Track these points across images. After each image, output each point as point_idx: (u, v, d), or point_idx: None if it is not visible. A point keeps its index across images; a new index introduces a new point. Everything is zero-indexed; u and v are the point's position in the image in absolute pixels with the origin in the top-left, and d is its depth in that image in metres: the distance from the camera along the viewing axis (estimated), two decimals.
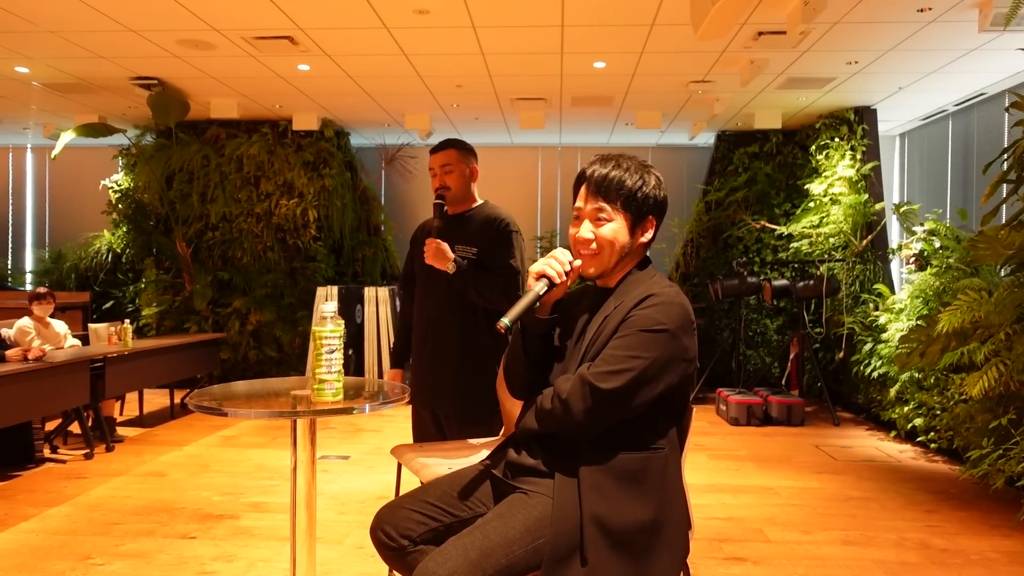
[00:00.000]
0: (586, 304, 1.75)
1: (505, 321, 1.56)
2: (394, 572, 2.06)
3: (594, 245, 1.66)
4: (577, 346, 1.69)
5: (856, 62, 5.45)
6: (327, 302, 1.94)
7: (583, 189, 1.70)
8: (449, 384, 2.58)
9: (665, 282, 1.66)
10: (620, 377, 1.52)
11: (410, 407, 2.71)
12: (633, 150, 8.81)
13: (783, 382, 6.79)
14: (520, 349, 1.73)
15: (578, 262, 1.67)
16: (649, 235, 1.70)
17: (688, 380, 1.63)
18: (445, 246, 2.47)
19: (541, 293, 1.62)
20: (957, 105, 6.57)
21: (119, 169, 8.00)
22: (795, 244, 7.13)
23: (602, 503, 1.52)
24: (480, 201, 2.71)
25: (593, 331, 1.65)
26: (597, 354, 1.59)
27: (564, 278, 1.64)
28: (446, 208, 2.62)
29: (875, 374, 5.56)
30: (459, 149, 2.64)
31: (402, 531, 1.67)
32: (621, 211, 1.66)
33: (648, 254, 1.76)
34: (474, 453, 2.33)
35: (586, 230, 1.67)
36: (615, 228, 1.66)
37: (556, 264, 1.63)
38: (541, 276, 1.63)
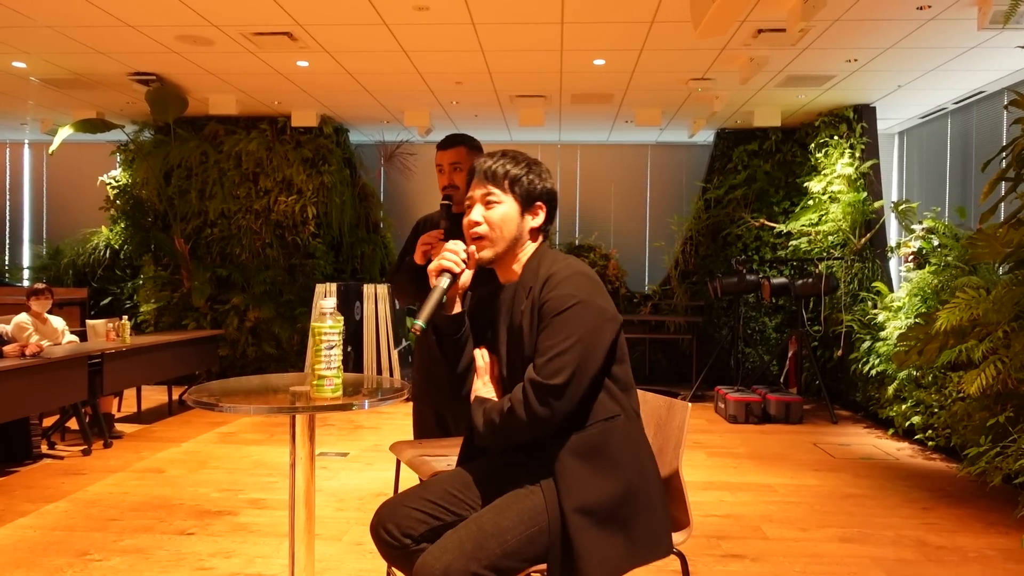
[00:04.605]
0: (499, 305, 1.79)
1: (419, 323, 1.60)
2: (392, 569, 2.06)
3: (484, 228, 1.70)
4: (510, 348, 1.71)
5: (855, 60, 5.44)
6: (326, 298, 1.93)
7: (474, 179, 1.76)
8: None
9: (560, 256, 1.70)
10: (565, 370, 1.55)
11: (411, 404, 2.71)
12: (633, 147, 8.82)
13: (781, 380, 6.80)
14: (440, 355, 1.75)
15: (472, 248, 1.70)
16: (539, 219, 1.75)
17: (616, 342, 1.65)
18: None
19: (445, 287, 1.64)
20: (956, 103, 6.57)
21: (117, 165, 7.99)
22: (794, 242, 7.13)
23: (577, 491, 1.57)
24: None
25: (516, 327, 1.68)
26: (533, 351, 1.62)
27: (463, 266, 1.67)
28: (453, 208, 2.53)
29: (873, 372, 5.57)
30: (469, 147, 2.55)
31: (404, 530, 1.67)
32: (510, 193, 1.72)
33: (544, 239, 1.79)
34: None
35: (476, 213, 1.72)
36: (504, 210, 1.71)
37: (452, 255, 1.66)
38: (441, 272, 1.66)
